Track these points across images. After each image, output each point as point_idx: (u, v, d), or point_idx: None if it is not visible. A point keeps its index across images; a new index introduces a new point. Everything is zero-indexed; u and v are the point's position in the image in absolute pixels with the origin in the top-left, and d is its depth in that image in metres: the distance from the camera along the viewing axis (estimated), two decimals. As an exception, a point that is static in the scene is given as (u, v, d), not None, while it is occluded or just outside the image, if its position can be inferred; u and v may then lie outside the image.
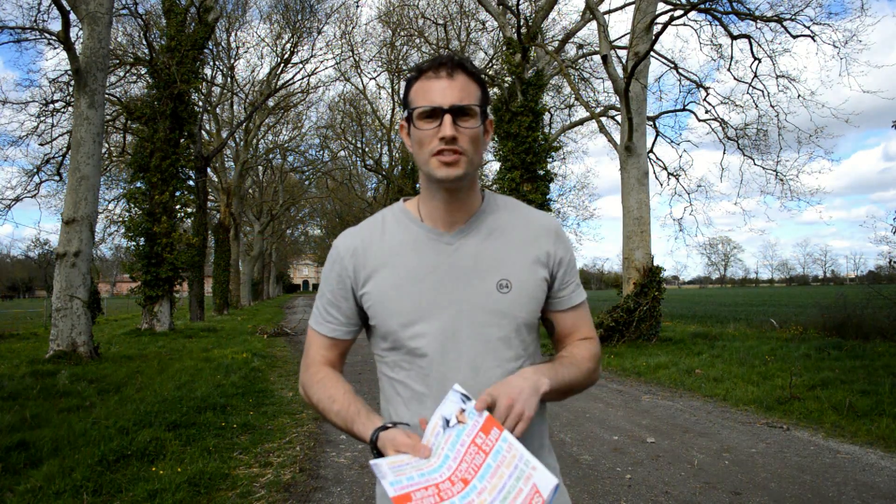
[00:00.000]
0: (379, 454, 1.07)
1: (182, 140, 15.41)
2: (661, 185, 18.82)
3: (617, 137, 13.67)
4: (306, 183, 39.58)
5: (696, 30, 19.47)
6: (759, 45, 14.71)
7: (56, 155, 16.60)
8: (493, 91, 15.64)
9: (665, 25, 10.56)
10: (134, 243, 14.82)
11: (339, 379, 1.25)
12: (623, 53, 14.32)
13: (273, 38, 24.48)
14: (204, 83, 20.30)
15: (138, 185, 14.88)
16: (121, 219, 17.83)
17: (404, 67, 24.44)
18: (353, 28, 33.82)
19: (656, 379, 7.93)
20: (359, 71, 27.06)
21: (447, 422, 1.01)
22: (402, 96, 1.21)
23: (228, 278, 25.59)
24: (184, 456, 4.36)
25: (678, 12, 11.44)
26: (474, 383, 1.14)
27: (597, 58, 17.49)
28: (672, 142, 18.98)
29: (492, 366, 1.16)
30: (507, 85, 14.90)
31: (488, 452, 0.94)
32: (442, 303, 1.17)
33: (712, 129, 16.79)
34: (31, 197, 16.87)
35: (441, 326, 1.16)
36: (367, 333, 1.31)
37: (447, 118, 1.10)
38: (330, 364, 1.29)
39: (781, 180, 16.07)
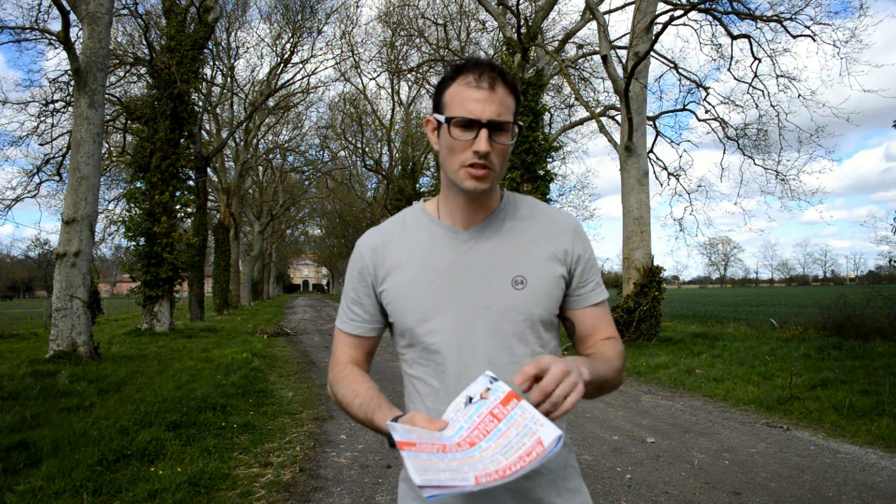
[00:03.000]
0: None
1: (182, 140, 15.39)
2: (661, 185, 18.87)
3: (617, 137, 13.67)
4: (306, 183, 39.54)
5: (696, 30, 19.49)
6: (759, 45, 14.72)
7: (56, 155, 16.60)
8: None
9: (665, 25, 10.56)
10: (134, 243, 14.81)
11: (363, 376, 1.26)
12: (623, 53, 14.32)
13: (273, 38, 24.45)
14: (204, 83, 20.29)
15: (138, 185, 14.87)
16: (121, 219, 17.82)
17: (404, 67, 24.45)
18: (352, 28, 33.78)
19: (656, 379, 7.94)
20: (359, 71, 27.04)
21: (470, 399, 1.01)
22: (434, 93, 1.21)
23: (228, 278, 25.57)
24: (184, 456, 4.36)
25: (678, 12, 11.43)
26: None
27: (597, 58, 17.50)
28: (672, 142, 19.01)
29: (507, 361, 1.17)
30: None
31: (502, 420, 0.94)
32: (457, 299, 1.18)
33: (712, 129, 16.80)
34: (32, 197, 16.88)
35: (455, 322, 1.17)
36: (390, 332, 1.32)
37: (483, 133, 1.11)
38: (355, 363, 1.31)
39: (782, 180, 16.07)
